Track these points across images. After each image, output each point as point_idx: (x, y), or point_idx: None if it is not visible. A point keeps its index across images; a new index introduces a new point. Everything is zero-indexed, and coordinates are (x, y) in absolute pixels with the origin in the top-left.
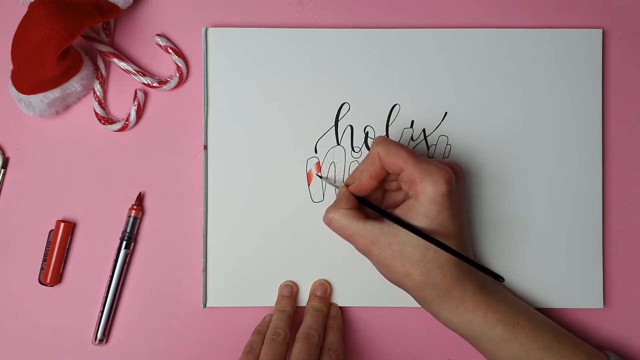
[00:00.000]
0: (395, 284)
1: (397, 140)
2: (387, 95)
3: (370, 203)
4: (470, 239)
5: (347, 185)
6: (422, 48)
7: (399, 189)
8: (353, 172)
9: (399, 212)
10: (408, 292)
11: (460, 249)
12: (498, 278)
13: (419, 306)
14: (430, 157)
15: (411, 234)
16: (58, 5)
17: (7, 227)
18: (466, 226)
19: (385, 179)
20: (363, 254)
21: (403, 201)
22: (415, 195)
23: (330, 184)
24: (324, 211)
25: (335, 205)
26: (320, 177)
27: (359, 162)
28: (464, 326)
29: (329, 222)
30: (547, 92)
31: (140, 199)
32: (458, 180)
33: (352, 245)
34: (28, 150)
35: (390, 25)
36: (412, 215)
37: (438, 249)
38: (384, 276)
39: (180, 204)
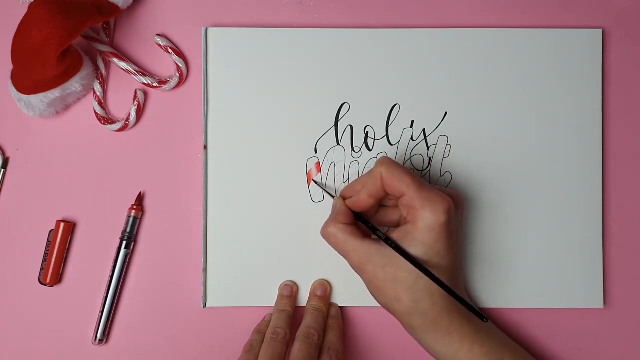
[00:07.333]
0: (384, 306)
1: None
2: (387, 95)
3: (368, 222)
4: (463, 272)
5: (344, 198)
6: (422, 48)
7: (396, 206)
8: (352, 183)
9: (395, 235)
10: (395, 316)
11: (451, 282)
12: (482, 318)
13: None
14: (433, 184)
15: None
16: (58, 5)
17: (7, 227)
18: (460, 258)
19: (384, 199)
20: (356, 271)
21: (397, 220)
22: (414, 221)
23: (327, 192)
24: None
25: (333, 220)
26: (316, 182)
27: (359, 170)
28: (448, 357)
29: (326, 236)
30: (547, 92)
31: (140, 199)
32: (457, 211)
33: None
34: (28, 150)
35: (390, 25)
36: (409, 241)
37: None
38: (374, 296)
39: (180, 204)
